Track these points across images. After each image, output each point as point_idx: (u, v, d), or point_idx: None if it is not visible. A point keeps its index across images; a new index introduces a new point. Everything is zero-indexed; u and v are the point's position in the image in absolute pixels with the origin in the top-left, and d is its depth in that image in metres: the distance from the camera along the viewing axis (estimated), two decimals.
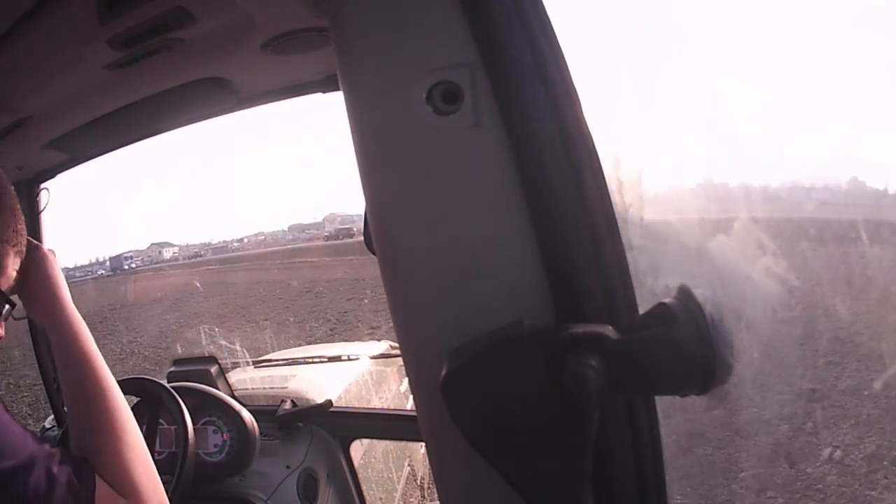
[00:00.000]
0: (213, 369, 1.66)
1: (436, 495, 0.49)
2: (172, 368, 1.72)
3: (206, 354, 1.85)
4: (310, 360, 2.14)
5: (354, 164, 0.45)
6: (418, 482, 2.39)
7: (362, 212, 0.49)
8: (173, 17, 0.90)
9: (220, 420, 1.54)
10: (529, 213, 0.41)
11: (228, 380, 1.73)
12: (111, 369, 0.79)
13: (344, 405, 1.80)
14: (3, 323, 0.76)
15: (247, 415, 1.53)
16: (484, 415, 0.39)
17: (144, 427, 1.53)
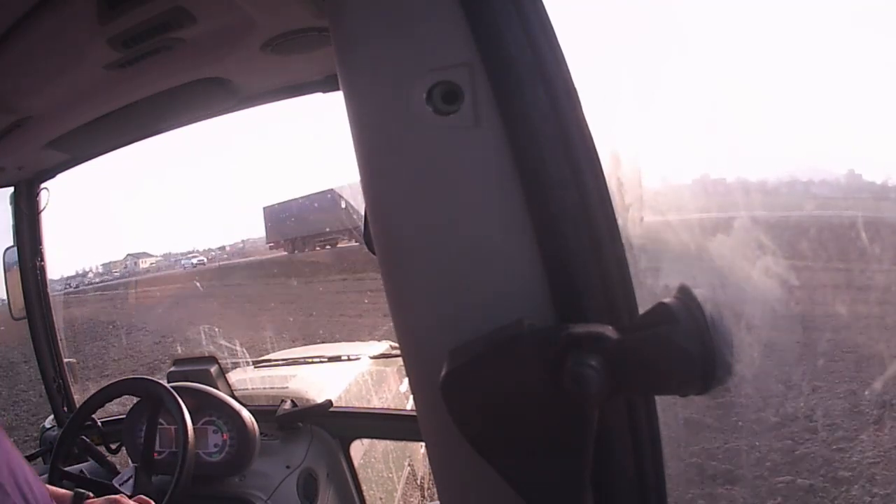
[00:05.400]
0: (213, 369, 1.66)
1: (436, 495, 0.49)
2: (172, 368, 1.72)
3: (206, 354, 1.85)
4: (310, 360, 2.14)
5: (354, 164, 0.45)
6: (418, 482, 2.39)
7: (361, 212, 0.49)
8: (173, 17, 0.90)
9: (220, 420, 1.54)
10: (529, 212, 0.41)
11: (228, 380, 1.73)
12: None
13: (344, 405, 1.79)
14: None
15: (247, 415, 1.53)
16: (484, 415, 0.39)
17: (144, 427, 1.53)
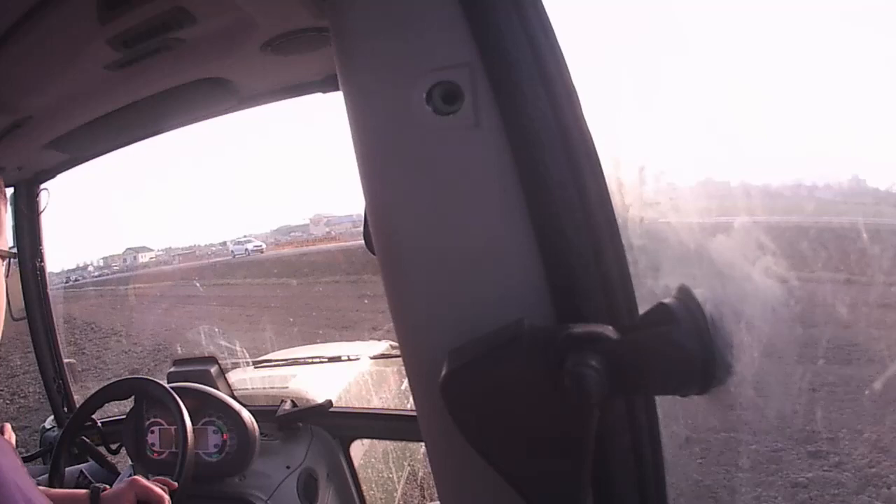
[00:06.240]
0: (213, 369, 1.66)
1: (436, 495, 0.49)
2: (172, 369, 1.72)
3: (206, 354, 1.85)
4: (310, 360, 2.14)
5: (353, 164, 0.45)
6: (418, 482, 2.39)
7: (349, 213, 0.49)
8: (173, 17, 0.90)
9: (220, 420, 1.54)
10: (529, 213, 0.41)
11: (228, 380, 1.73)
12: None
13: (344, 405, 1.79)
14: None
15: (247, 415, 1.53)
16: (484, 415, 0.39)
17: (144, 427, 1.53)
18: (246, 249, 19.41)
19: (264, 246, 19.94)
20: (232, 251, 20.15)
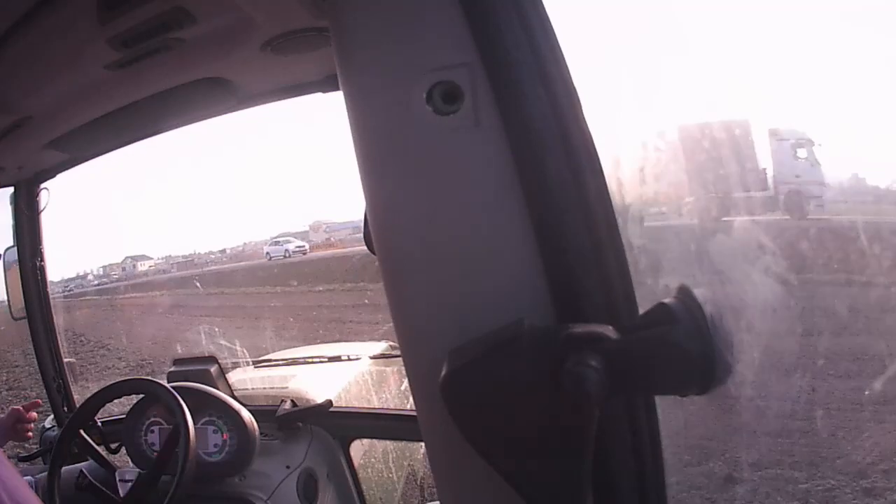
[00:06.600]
0: (213, 369, 1.66)
1: (436, 495, 0.49)
2: (172, 368, 1.72)
3: (206, 354, 1.85)
4: (310, 360, 2.14)
5: (354, 165, 0.45)
6: (418, 482, 2.38)
7: (348, 219, 0.49)
8: (173, 17, 0.90)
9: (220, 420, 1.54)
10: (529, 213, 0.41)
11: (228, 380, 1.73)
12: None
13: (344, 405, 1.79)
14: None
15: (247, 415, 1.53)
16: (484, 415, 0.39)
17: (144, 426, 1.53)
18: (286, 251, 16.19)
19: (307, 246, 16.59)
20: (267, 252, 16.80)
